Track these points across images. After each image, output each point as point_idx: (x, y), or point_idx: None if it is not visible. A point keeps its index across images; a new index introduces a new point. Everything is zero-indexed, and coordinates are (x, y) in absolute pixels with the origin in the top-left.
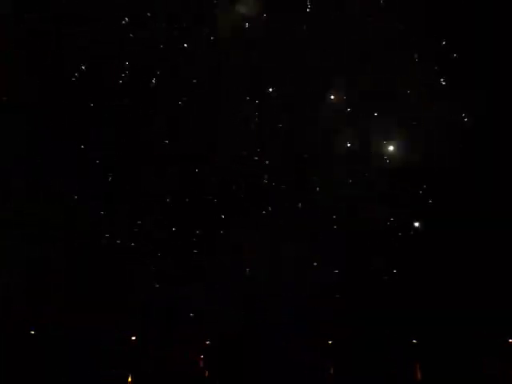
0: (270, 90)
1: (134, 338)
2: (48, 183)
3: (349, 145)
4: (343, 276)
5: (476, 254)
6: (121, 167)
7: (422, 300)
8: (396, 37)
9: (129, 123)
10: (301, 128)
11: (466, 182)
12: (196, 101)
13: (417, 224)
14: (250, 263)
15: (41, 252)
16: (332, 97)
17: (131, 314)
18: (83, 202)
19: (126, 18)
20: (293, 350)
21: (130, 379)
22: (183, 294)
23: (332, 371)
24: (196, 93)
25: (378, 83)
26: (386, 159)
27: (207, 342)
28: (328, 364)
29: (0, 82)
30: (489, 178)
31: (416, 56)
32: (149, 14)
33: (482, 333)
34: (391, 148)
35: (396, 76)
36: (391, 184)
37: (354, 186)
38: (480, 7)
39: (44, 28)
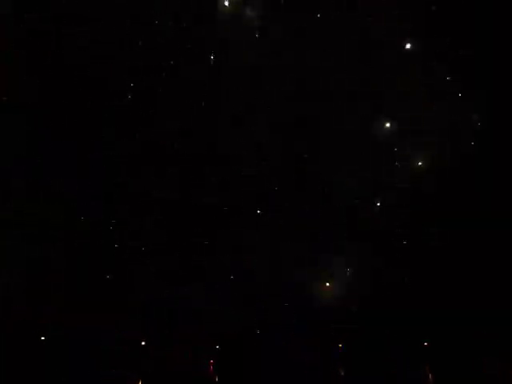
0: (271, 90)
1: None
2: (48, 183)
3: (350, 145)
4: (346, 277)
5: (478, 255)
6: (121, 167)
7: (423, 300)
8: (401, 36)
9: (129, 123)
10: (301, 128)
11: (474, 182)
12: (196, 101)
13: (420, 225)
14: (250, 263)
15: (41, 252)
16: (333, 96)
17: (132, 314)
18: (83, 201)
19: (127, 18)
20: (294, 351)
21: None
22: (183, 293)
23: (342, 373)
24: (196, 93)
25: (381, 83)
26: (388, 159)
27: (217, 347)
28: (334, 366)
29: (0, 82)
30: (497, 179)
31: (422, 55)
32: (150, 14)
33: (481, 333)
34: (394, 148)
35: (401, 76)
36: (394, 184)
37: (355, 186)
38: (487, 6)
39: (44, 28)
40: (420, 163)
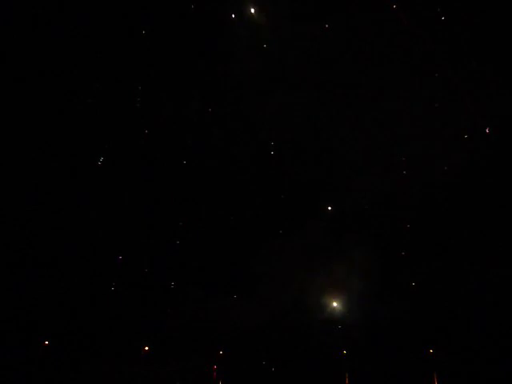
0: (280, 97)
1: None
2: (48, 183)
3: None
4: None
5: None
6: (122, 169)
7: (427, 306)
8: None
9: (132, 124)
10: (311, 135)
11: (478, 187)
12: (202, 105)
13: (424, 229)
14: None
15: (41, 252)
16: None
17: (140, 323)
18: (83, 201)
19: (128, 19)
20: (299, 356)
21: None
22: (186, 298)
23: (347, 380)
24: (203, 97)
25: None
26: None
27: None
28: (339, 372)
29: (0, 81)
30: (501, 183)
31: (430, 61)
32: (149, 14)
33: (484, 339)
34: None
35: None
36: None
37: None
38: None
39: (44, 28)
40: (427, 171)
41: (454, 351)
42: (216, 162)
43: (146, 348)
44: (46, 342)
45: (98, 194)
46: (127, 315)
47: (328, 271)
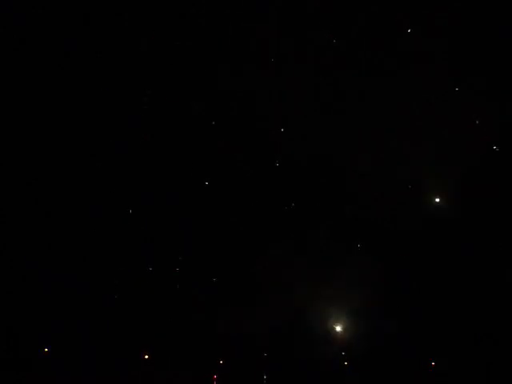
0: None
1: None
2: (48, 183)
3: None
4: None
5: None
6: (125, 173)
7: (430, 314)
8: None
9: (134, 125)
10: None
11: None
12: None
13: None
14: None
15: (41, 252)
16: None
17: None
18: (83, 201)
19: (128, 18)
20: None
21: None
22: (188, 308)
23: None
24: (208, 100)
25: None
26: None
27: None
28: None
29: (0, 81)
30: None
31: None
32: (149, 13)
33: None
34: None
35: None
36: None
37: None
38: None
39: (45, 28)
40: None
41: (458, 364)
42: (219, 171)
43: (146, 356)
44: (46, 350)
45: (99, 195)
46: (126, 321)
47: (331, 281)
